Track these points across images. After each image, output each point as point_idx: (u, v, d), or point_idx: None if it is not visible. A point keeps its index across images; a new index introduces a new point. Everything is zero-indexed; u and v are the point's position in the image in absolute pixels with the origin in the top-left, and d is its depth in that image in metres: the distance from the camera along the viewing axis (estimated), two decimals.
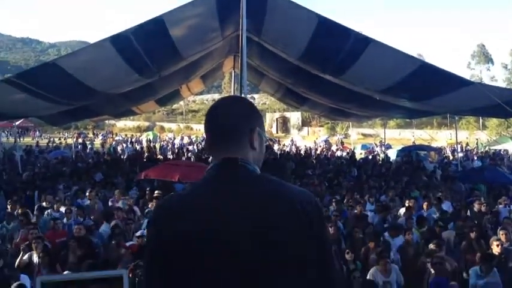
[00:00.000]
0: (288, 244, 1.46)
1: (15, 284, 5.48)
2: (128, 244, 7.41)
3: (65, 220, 9.63)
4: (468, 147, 35.52)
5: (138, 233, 7.96)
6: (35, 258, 7.23)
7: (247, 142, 1.67)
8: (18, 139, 28.59)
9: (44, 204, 10.96)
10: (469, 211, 10.81)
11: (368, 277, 6.74)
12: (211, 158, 1.72)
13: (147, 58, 10.95)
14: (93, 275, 1.62)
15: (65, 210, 10.10)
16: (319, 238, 1.53)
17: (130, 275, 5.37)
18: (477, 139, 40.45)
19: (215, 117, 1.72)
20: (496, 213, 10.16)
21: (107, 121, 49.44)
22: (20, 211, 10.00)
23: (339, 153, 30.41)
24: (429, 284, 6.46)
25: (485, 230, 9.03)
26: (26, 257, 7.28)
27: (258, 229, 1.45)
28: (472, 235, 8.23)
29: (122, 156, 26.82)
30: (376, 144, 35.31)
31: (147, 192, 11.95)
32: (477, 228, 8.68)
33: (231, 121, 1.68)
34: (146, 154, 25.32)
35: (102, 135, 48.90)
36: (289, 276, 1.46)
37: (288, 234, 1.47)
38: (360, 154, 29.76)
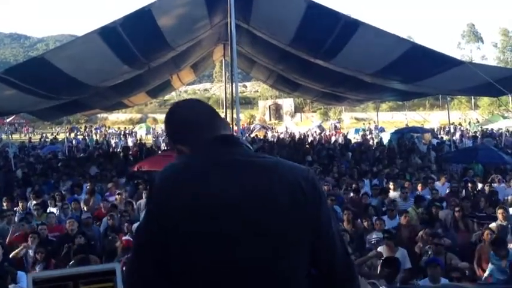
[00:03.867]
0: (281, 220, 1.45)
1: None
2: (123, 238, 7.36)
3: (61, 215, 9.58)
4: (461, 127, 35.63)
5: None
6: (31, 253, 7.22)
7: (228, 129, 1.73)
8: (10, 136, 28.43)
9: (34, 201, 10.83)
10: (464, 191, 10.85)
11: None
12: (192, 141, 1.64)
13: (136, 49, 10.87)
14: (85, 269, 1.60)
15: (62, 206, 10.01)
16: (315, 215, 1.51)
17: (123, 268, 5.35)
18: (470, 119, 40.63)
19: (195, 109, 1.72)
20: (493, 192, 10.17)
21: (99, 115, 49.16)
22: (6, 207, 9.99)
23: (333, 138, 30.45)
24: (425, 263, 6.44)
25: (482, 209, 9.06)
26: (22, 252, 7.27)
27: (252, 202, 1.45)
28: (458, 215, 8.32)
29: (115, 150, 26.76)
30: (370, 128, 35.32)
31: (140, 185, 11.82)
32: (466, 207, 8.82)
33: (213, 111, 1.74)
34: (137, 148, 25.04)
35: (95, 129, 48.66)
36: (281, 250, 1.45)
37: (281, 209, 1.46)
38: (353, 138, 29.76)
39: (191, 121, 1.67)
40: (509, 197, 10.11)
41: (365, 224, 8.24)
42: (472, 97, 39.74)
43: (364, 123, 40.86)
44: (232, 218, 1.43)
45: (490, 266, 6.55)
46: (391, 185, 11.20)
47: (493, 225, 7.78)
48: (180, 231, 1.44)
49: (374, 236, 7.46)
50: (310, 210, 1.49)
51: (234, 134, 1.67)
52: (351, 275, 1.59)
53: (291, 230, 1.46)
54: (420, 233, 7.53)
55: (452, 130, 28.60)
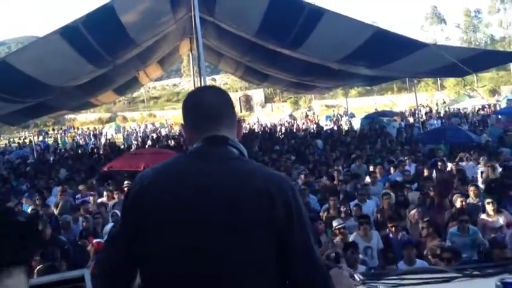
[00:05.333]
0: (249, 227, 1.46)
1: None
2: (94, 241, 7.20)
3: None
4: (427, 108, 36.19)
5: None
6: None
7: (235, 131, 1.73)
8: None
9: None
10: (434, 171, 10.95)
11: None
12: (193, 138, 1.68)
13: (100, 47, 10.70)
14: (53, 278, 1.55)
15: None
16: (285, 222, 1.49)
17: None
18: (437, 100, 41.34)
19: (204, 99, 1.73)
20: (461, 171, 10.31)
21: (66, 116, 48.29)
22: None
23: (304, 127, 30.61)
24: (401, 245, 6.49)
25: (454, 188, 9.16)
26: None
27: (223, 208, 1.47)
28: (432, 194, 8.37)
29: (85, 151, 26.35)
30: (340, 115, 35.62)
31: (109, 184, 11.62)
32: (439, 187, 8.89)
33: (223, 106, 1.72)
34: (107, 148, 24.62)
35: (64, 130, 47.86)
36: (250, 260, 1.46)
37: (252, 217, 1.46)
38: (325, 125, 29.95)
39: (192, 110, 1.72)
40: (478, 175, 10.29)
41: (343, 210, 8.24)
42: (438, 78, 40.38)
43: (333, 110, 41.19)
44: (196, 216, 1.48)
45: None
46: (371, 168, 11.23)
47: (458, 199, 7.80)
48: (141, 225, 1.53)
49: (335, 224, 7.34)
50: (278, 216, 1.47)
51: (225, 134, 1.66)
52: None
53: (253, 230, 1.46)
54: (412, 212, 7.57)
55: (423, 112, 29.15)
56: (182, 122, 1.75)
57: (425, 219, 7.03)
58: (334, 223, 7.22)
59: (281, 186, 1.53)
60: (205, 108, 1.69)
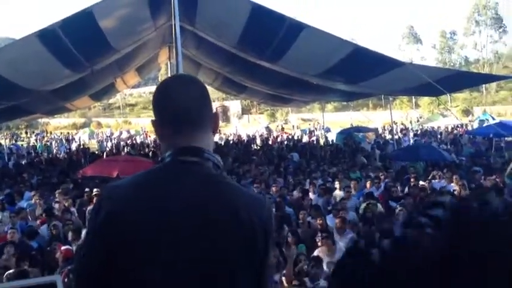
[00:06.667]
0: (225, 254, 1.40)
1: None
2: (63, 248, 7.06)
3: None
4: (402, 126, 36.74)
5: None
6: None
7: (210, 127, 1.59)
8: None
9: None
10: (407, 188, 11.04)
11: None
12: (165, 145, 1.58)
13: (77, 52, 10.56)
14: (24, 283, 1.52)
15: (10, 215, 9.51)
16: (262, 254, 1.45)
17: (65, 280, 5.11)
18: (411, 118, 42.02)
19: (177, 98, 1.55)
20: (424, 189, 10.39)
21: (40, 120, 47.45)
22: None
23: (279, 139, 30.67)
24: None
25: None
26: None
27: (197, 234, 1.40)
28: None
29: (57, 156, 25.95)
30: (316, 128, 35.85)
31: (85, 191, 11.46)
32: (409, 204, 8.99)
33: (198, 107, 1.56)
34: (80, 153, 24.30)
35: (36, 134, 47.00)
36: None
37: (227, 244, 1.40)
38: (297, 137, 30.11)
39: (162, 111, 1.58)
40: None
41: (319, 223, 8.26)
42: (413, 97, 41.05)
43: (309, 124, 41.48)
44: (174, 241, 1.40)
45: None
46: (336, 184, 11.30)
47: None
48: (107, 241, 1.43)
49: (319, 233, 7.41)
50: (260, 248, 1.43)
51: (200, 146, 1.52)
52: None
53: (234, 253, 1.42)
54: None
55: (397, 129, 29.57)
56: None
57: None
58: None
59: (262, 210, 1.48)
60: (177, 113, 1.53)
